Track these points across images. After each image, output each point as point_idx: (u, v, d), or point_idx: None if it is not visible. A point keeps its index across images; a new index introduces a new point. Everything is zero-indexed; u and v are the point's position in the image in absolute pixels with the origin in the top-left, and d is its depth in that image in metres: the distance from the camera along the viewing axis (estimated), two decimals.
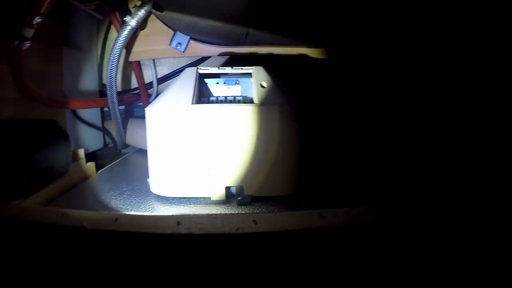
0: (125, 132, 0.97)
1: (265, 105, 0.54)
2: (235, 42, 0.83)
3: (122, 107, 1.09)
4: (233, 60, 0.94)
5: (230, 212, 0.51)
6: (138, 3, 0.63)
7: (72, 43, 0.94)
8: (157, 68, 1.05)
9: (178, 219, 0.37)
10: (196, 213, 0.50)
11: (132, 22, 0.62)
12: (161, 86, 1.07)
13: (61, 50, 0.89)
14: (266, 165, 0.55)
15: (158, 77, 1.06)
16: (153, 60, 0.98)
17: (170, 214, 0.39)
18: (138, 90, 1.05)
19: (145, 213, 0.40)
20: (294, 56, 0.86)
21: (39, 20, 0.55)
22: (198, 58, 0.97)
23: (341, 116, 0.97)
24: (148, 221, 0.38)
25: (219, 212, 0.51)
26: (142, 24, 0.75)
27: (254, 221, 0.36)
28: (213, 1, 0.57)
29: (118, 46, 0.65)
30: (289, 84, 0.63)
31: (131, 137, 0.98)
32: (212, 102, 0.60)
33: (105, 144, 1.08)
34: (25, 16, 0.55)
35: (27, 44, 0.57)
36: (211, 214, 0.38)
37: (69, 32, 0.93)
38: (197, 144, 0.54)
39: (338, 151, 0.85)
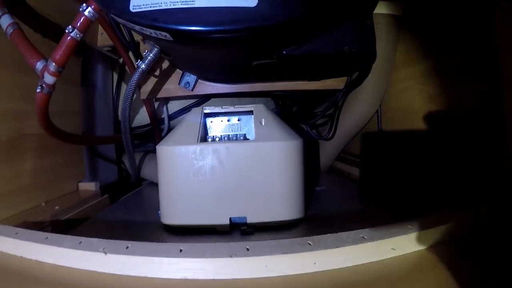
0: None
1: (263, 141, 0.59)
2: (240, 81, 0.89)
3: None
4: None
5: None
6: (149, 48, 0.68)
7: (89, 82, 1.01)
8: (169, 105, 1.12)
9: (181, 247, 0.42)
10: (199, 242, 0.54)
11: (143, 65, 0.68)
12: (172, 122, 1.13)
13: (79, 89, 0.96)
14: (267, 197, 0.60)
15: (169, 113, 1.12)
16: (165, 98, 1.05)
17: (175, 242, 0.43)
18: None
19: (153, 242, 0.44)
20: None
21: (60, 69, 0.61)
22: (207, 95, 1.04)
23: None
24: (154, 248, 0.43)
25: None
26: (153, 65, 0.81)
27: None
28: (214, 51, 0.63)
29: (131, 87, 0.70)
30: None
31: (145, 170, 1.04)
32: (216, 140, 0.66)
33: (120, 177, 1.14)
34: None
35: (50, 90, 0.63)
36: (209, 243, 0.43)
37: (86, 72, 1.00)
38: (203, 179, 0.59)
39: None
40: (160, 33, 0.52)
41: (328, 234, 0.44)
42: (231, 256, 0.39)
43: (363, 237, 0.43)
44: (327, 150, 1.07)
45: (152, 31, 0.52)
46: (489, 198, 0.54)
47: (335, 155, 1.09)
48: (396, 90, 0.87)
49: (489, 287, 0.37)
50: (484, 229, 0.48)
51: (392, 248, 0.43)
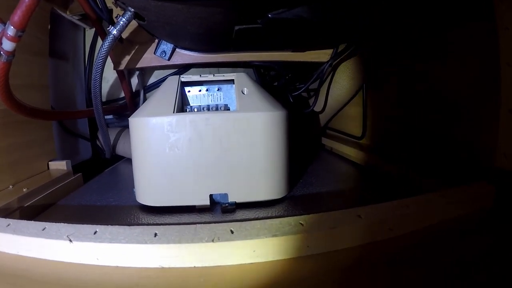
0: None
1: (245, 112, 0.54)
2: (221, 49, 0.83)
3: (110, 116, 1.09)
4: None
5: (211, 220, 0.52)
6: (121, 12, 0.62)
7: (58, 53, 0.94)
8: (144, 77, 1.06)
9: (155, 230, 0.37)
10: (179, 221, 0.50)
11: (114, 31, 0.62)
12: (148, 94, 1.07)
13: (46, 61, 0.89)
14: (249, 171, 0.55)
15: (145, 85, 1.06)
16: (139, 68, 0.98)
17: (151, 224, 0.39)
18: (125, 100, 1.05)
19: (125, 226, 0.39)
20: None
21: (20, 33, 0.54)
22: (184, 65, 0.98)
23: None
24: (125, 233, 0.38)
25: (202, 220, 0.52)
26: (127, 33, 0.75)
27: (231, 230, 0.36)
28: (194, 12, 0.56)
29: (101, 55, 0.64)
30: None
31: (120, 146, 0.98)
32: (194, 110, 0.60)
33: (94, 154, 1.07)
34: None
35: (9, 58, 0.56)
36: (189, 224, 0.38)
37: (55, 42, 0.92)
38: (180, 153, 0.54)
39: None
40: None
41: (322, 213, 0.40)
42: (213, 241, 0.35)
43: (359, 216, 0.39)
44: (311, 124, 1.03)
45: None
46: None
47: (319, 129, 1.05)
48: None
49: None
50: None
51: (389, 229, 0.39)
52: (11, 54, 0.56)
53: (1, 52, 0.55)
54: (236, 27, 0.62)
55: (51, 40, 0.90)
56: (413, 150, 0.69)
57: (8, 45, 0.55)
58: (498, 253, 0.36)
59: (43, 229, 0.40)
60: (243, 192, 0.56)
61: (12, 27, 0.54)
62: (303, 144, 1.05)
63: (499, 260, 0.34)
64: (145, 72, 1.09)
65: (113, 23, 0.63)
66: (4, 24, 0.55)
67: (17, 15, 0.53)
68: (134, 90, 1.08)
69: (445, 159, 0.61)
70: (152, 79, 1.09)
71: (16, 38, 0.55)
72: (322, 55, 0.85)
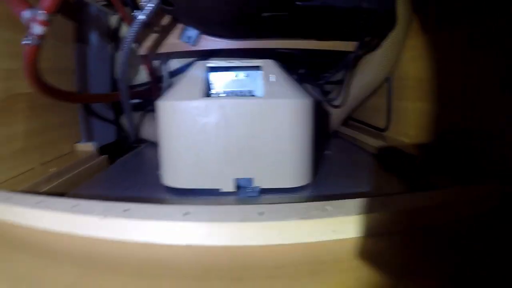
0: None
1: (272, 99, 0.55)
2: (247, 36, 0.83)
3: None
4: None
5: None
6: None
7: (83, 38, 0.95)
8: (168, 62, 1.07)
9: (186, 209, 0.38)
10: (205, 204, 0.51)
11: (141, 16, 0.62)
12: (172, 80, 1.08)
13: (73, 46, 0.90)
14: (274, 157, 0.56)
15: (169, 70, 1.07)
16: (165, 54, 0.99)
17: (179, 205, 0.40)
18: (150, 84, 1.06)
19: (155, 204, 0.40)
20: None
21: (50, 17, 0.56)
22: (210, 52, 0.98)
23: None
24: (156, 211, 0.39)
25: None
26: (153, 19, 0.75)
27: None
28: None
29: (128, 40, 0.65)
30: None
31: (145, 130, 1.00)
32: (220, 95, 0.61)
33: (119, 138, 1.09)
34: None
35: (39, 41, 0.57)
36: (218, 206, 0.39)
37: (80, 28, 0.94)
38: (206, 137, 0.55)
39: None
40: None
41: (347, 200, 0.40)
42: (242, 221, 0.35)
43: (383, 203, 0.39)
44: (335, 115, 1.02)
45: None
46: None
47: (341, 120, 1.04)
48: (408, 57, 0.82)
49: None
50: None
51: (411, 219, 0.39)
52: (41, 38, 0.58)
53: (32, 36, 0.57)
54: (264, 14, 0.62)
55: (77, 26, 0.92)
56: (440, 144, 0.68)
57: (38, 29, 0.56)
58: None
59: (74, 206, 0.42)
60: (268, 178, 0.57)
61: (42, 11, 0.55)
62: (325, 134, 1.05)
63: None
64: (169, 58, 1.10)
65: (137, 9, 0.64)
66: (34, 8, 0.56)
67: None
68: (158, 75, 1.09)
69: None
70: (175, 64, 1.09)
71: (47, 22, 0.56)
72: (348, 45, 0.84)
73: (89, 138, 0.93)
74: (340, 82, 0.95)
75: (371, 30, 0.77)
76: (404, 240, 0.37)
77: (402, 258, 0.34)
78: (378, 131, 0.95)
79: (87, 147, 0.87)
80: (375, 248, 0.35)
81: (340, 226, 0.37)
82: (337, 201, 0.40)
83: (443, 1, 0.66)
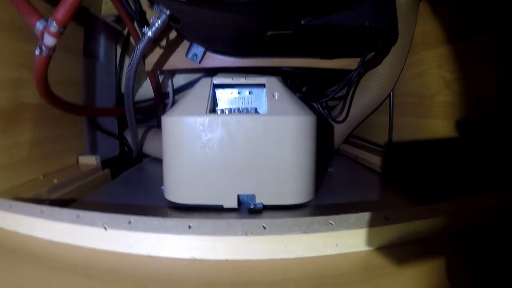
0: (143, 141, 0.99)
1: (275, 116, 0.56)
2: (252, 54, 0.84)
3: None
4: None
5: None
6: (156, 15, 0.64)
7: (92, 53, 0.97)
8: (174, 78, 1.08)
9: (189, 223, 0.38)
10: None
11: (149, 33, 0.63)
12: (177, 96, 1.09)
13: (81, 59, 0.91)
14: (277, 174, 0.56)
15: (175, 87, 1.08)
16: (170, 71, 1.00)
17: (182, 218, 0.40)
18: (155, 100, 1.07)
19: (159, 217, 0.40)
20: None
21: (62, 30, 0.57)
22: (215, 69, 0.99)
23: None
24: (160, 224, 0.39)
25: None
26: (159, 35, 0.77)
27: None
28: (230, 16, 0.58)
29: (136, 57, 0.66)
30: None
31: (147, 145, 1.00)
32: (225, 112, 0.62)
33: (121, 152, 1.10)
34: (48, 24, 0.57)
35: (50, 53, 0.58)
36: (221, 219, 0.39)
37: (89, 42, 0.95)
38: (211, 153, 0.55)
39: None
40: None
41: (350, 214, 0.40)
42: (246, 235, 0.36)
43: (386, 218, 0.39)
44: (336, 132, 1.03)
45: None
46: None
47: (344, 137, 1.05)
48: (410, 74, 0.83)
49: None
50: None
51: (416, 232, 0.39)
52: (52, 50, 0.59)
53: (43, 47, 0.58)
54: (269, 33, 0.63)
55: (86, 40, 0.93)
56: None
57: (50, 41, 0.57)
58: None
59: (77, 217, 0.42)
60: (271, 194, 0.57)
61: (54, 24, 0.56)
62: (327, 151, 1.05)
63: None
64: (174, 74, 1.11)
65: (146, 25, 0.65)
66: (46, 20, 0.57)
67: (61, 12, 0.56)
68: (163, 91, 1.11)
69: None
70: (181, 81, 1.11)
71: (58, 34, 0.57)
72: (350, 63, 0.85)
73: (93, 151, 0.94)
74: (342, 99, 0.96)
75: (373, 47, 0.78)
76: (408, 253, 0.37)
77: (406, 271, 0.34)
78: (380, 148, 0.95)
79: (90, 160, 0.87)
80: (379, 261, 0.36)
81: (344, 240, 0.37)
82: (340, 215, 0.40)
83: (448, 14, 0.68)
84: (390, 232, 0.39)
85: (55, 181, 0.70)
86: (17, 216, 0.43)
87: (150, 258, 0.37)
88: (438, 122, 0.70)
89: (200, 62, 0.84)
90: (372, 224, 0.38)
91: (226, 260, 0.36)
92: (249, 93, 0.64)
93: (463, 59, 0.64)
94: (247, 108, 0.63)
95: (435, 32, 0.72)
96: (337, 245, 0.37)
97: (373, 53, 0.83)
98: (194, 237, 0.36)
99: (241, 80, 0.62)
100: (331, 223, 0.38)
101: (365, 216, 0.40)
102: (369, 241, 0.37)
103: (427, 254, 0.37)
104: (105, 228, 0.39)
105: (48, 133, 0.77)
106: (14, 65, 0.66)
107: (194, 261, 0.36)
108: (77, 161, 0.87)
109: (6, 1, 0.58)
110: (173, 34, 0.84)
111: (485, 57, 0.58)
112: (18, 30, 0.65)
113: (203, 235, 0.36)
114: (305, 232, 0.36)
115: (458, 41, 0.65)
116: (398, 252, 0.38)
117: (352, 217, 0.40)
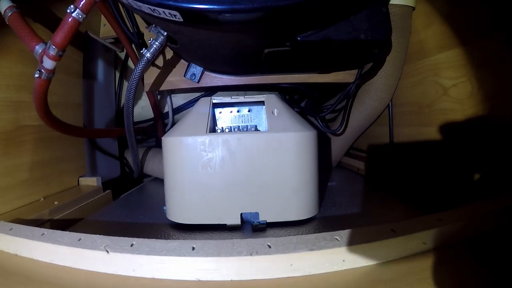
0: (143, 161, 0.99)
1: (275, 133, 0.56)
2: (250, 72, 0.84)
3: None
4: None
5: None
6: (154, 36, 0.65)
7: (91, 74, 0.98)
8: (173, 98, 1.08)
9: (193, 244, 0.38)
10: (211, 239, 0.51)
11: (148, 54, 0.64)
12: (177, 116, 1.09)
13: (80, 81, 0.92)
14: (280, 190, 0.56)
15: (174, 107, 1.08)
16: (169, 91, 1.01)
17: (185, 240, 0.39)
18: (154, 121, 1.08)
19: (161, 239, 0.40)
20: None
21: (61, 53, 0.57)
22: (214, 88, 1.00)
23: None
24: (163, 246, 0.39)
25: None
26: (157, 56, 0.77)
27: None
28: (227, 36, 0.59)
29: (135, 78, 0.66)
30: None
31: (148, 165, 1.00)
32: (225, 131, 0.62)
33: (122, 173, 1.09)
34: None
35: (49, 76, 0.59)
36: (225, 240, 0.39)
37: (88, 64, 0.96)
38: (212, 172, 0.55)
39: None
40: (169, 13, 0.47)
41: (356, 228, 0.40)
42: (251, 254, 0.35)
43: (393, 230, 0.39)
44: (337, 145, 1.03)
45: (161, 10, 0.47)
46: None
47: (345, 150, 1.05)
48: (408, 83, 0.83)
49: None
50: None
51: (423, 242, 0.39)
52: (51, 72, 0.59)
53: (42, 70, 0.58)
54: (266, 50, 0.64)
55: (85, 62, 0.94)
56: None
57: (49, 64, 0.58)
58: None
59: (79, 240, 0.41)
60: (274, 211, 0.57)
61: (53, 47, 0.57)
62: (329, 165, 1.05)
63: None
64: (173, 94, 1.12)
65: (144, 47, 0.66)
66: (45, 44, 0.58)
67: (59, 36, 0.56)
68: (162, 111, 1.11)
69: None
70: (180, 101, 1.11)
71: (57, 57, 0.58)
72: (347, 76, 0.86)
73: (94, 173, 0.94)
74: (340, 111, 0.96)
75: (370, 58, 0.79)
76: (416, 265, 0.37)
77: (415, 285, 0.33)
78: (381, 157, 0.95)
79: (91, 181, 0.87)
80: (387, 275, 0.35)
81: (350, 255, 0.36)
82: (346, 230, 0.40)
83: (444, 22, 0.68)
84: (397, 244, 0.38)
85: (56, 203, 0.70)
86: (17, 239, 0.43)
87: (153, 280, 0.37)
88: (438, 130, 0.70)
89: (198, 81, 0.85)
90: (378, 237, 0.38)
91: (232, 281, 0.35)
92: (249, 111, 0.64)
93: (461, 64, 0.64)
94: (247, 126, 0.63)
95: (430, 40, 0.73)
96: (344, 260, 0.36)
97: (370, 65, 0.83)
98: (198, 259, 0.36)
99: (240, 98, 0.63)
100: (337, 239, 0.38)
101: (371, 229, 0.39)
102: (376, 255, 0.37)
103: (436, 265, 0.37)
104: (107, 251, 0.38)
105: (49, 155, 0.77)
106: (14, 87, 0.67)
107: (199, 282, 0.36)
108: (78, 183, 0.87)
109: (6, 24, 0.59)
110: (170, 54, 0.85)
111: (484, 60, 0.59)
112: (18, 52, 0.66)
113: (207, 256, 0.36)
114: (311, 250, 0.36)
115: (455, 47, 0.65)
116: (406, 264, 0.37)
117: (358, 231, 0.39)
